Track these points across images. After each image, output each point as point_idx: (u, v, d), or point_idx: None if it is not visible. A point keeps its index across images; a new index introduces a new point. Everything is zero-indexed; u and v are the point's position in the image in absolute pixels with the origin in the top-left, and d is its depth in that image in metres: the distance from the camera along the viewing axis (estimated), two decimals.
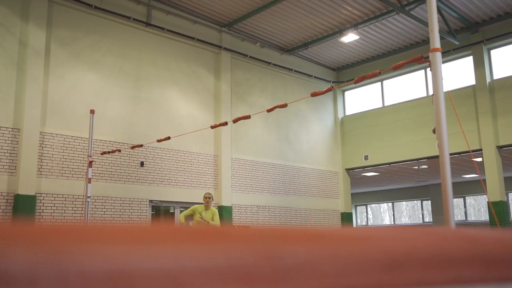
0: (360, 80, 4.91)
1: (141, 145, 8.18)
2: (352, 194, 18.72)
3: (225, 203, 13.13)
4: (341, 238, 0.62)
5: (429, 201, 24.35)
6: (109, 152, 8.34)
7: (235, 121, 6.52)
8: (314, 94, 5.59)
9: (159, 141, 8.26)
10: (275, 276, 0.49)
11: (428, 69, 4.17)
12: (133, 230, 0.45)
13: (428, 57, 4.11)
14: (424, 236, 0.75)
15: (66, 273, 0.37)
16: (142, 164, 11.78)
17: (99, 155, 10.48)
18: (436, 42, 4.03)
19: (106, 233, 0.43)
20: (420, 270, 0.68)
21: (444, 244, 0.76)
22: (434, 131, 4.04)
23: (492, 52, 14.27)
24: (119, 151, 8.90)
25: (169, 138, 8.08)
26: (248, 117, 6.54)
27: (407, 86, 15.99)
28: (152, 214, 12.17)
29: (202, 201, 12.86)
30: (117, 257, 0.40)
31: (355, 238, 0.64)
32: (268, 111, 6.17)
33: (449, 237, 0.80)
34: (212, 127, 7.05)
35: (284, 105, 5.92)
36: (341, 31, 14.14)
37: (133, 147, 8.75)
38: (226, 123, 6.83)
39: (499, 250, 0.86)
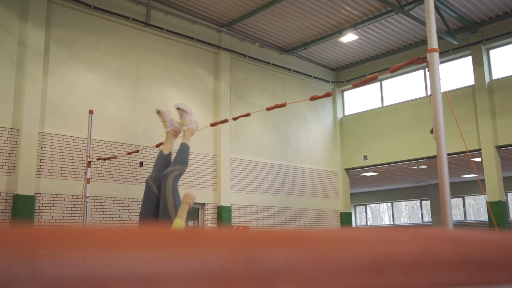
0: (359, 85, 4.90)
1: (137, 151, 8.22)
2: (351, 194, 18.73)
3: (224, 203, 13.13)
4: (324, 241, 0.62)
5: (428, 201, 24.36)
6: (104, 159, 8.37)
7: (235, 118, 6.55)
8: (313, 98, 5.58)
9: (157, 146, 8.26)
10: (254, 281, 0.49)
11: (427, 69, 4.16)
12: (107, 234, 0.44)
13: (426, 57, 4.10)
14: (409, 239, 0.75)
15: (39, 278, 0.37)
16: (141, 164, 11.77)
17: (98, 155, 10.48)
18: (433, 42, 4.02)
19: (80, 237, 0.43)
20: (405, 273, 0.68)
21: (430, 246, 0.76)
22: (431, 132, 4.03)
23: (491, 52, 14.27)
24: (115, 157, 8.97)
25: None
26: (248, 114, 6.57)
27: (406, 86, 15.99)
28: None
29: (201, 202, 12.90)
30: (91, 262, 0.40)
31: (338, 241, 0.64)
32: (268, 109, 6.18)
33: (435, 239, 0.80)
34: (212, 124, 7.06)
35: (284, 105, 5.93)
36: (340, 31, 14.13)
37: (129, 153, 8.81)
38: (226, 120, 6.84)
39: (486, 252, 0.86)
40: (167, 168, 5.40)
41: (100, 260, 0.41)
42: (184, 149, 5.74)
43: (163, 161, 5.68)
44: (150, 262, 0.43)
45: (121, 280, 0.41)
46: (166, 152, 5.79)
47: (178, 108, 5.82)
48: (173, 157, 5.84)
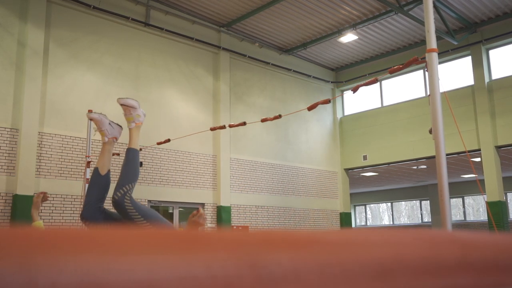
0: (357, 88, 4.87)
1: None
2: (351, 194, 18.71)
3: (223, 203, 13.12)
4: (328, 244, 0.60)
5: (428, 201, 24.35)
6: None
7: (231, 126, 6.48)
8: (311, 108, 5.43)
9: (159, 143, 8.26)
10: (259, 287, 0.47)
11: (426, 69, 4.14)
12: (107, 238, 0.43)
13: (425, 58, 4.09)
14: (414, 241, 0.74)
15: (35, 286, 0.36)
16: (141, 164, 11.73)
17: (97, 155, 10.45)
18: (432, 42, 4.00)
19: (79, 242, 0.41)
20: (410, 277, 0.67)
21: (435, 249, 0.74)
22: (430, 132, 4.02)
23: (491, 52, 14.27)
24: (118, 155, 8.90)
25: (169, 140, 8.11)
26: (244, 123, 6.48)
27: (406, 86, 15.98)
28: None
29: (200, 202, 12.88)
30: (90, 268, 0.39)
31: (343, 244, 0.63)
32: (262, 121, 6.12)
33: (440, 242, 0.79)
34: (212, 129, 7.03)
35: (278, 117, 5.88)
36: (339, 31, 14.12)
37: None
38: (224, 127, 6.79)
39: (492, 255, 0.84)
40: (115, 193, 4.19)
41: (99, 266, 0.40)
42: (133, 159, 4.66)
43: (100, 184, 4.58)
44: (151, 268, 0.42)
45: (121, 287, 0.40)
46: (103, 171, 4.67)
47: (122, 105, 4.64)
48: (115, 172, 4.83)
